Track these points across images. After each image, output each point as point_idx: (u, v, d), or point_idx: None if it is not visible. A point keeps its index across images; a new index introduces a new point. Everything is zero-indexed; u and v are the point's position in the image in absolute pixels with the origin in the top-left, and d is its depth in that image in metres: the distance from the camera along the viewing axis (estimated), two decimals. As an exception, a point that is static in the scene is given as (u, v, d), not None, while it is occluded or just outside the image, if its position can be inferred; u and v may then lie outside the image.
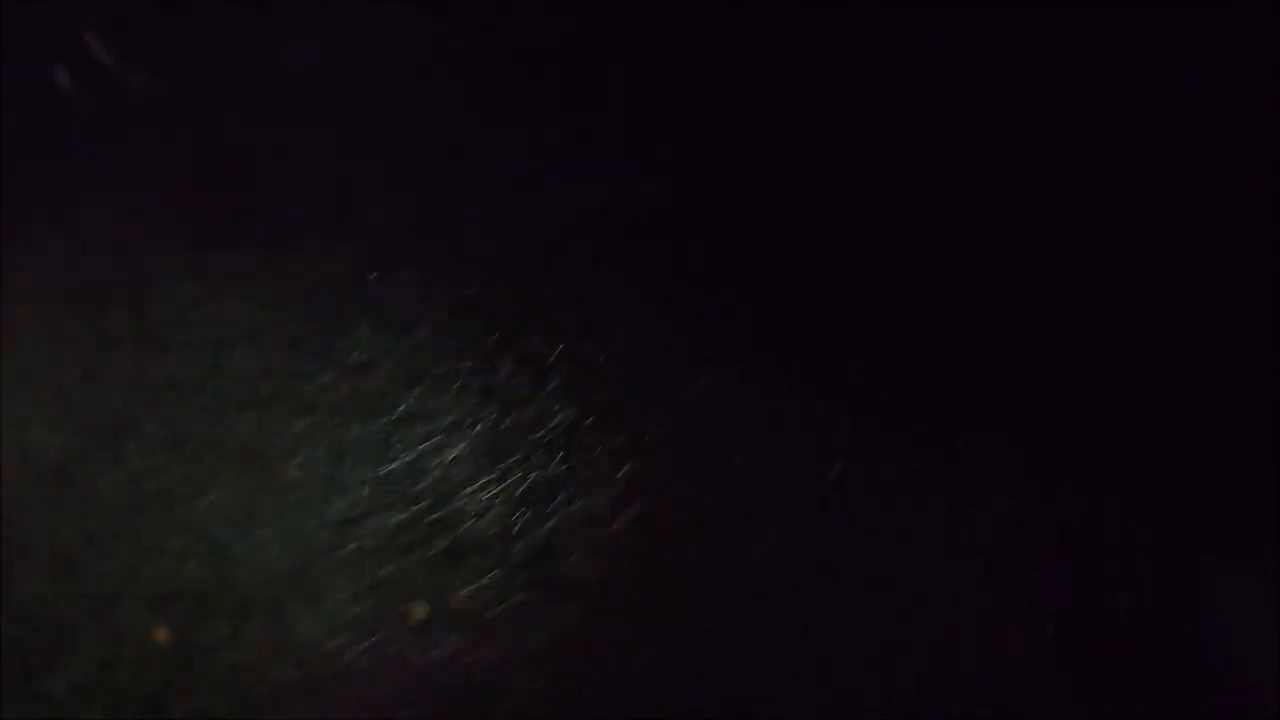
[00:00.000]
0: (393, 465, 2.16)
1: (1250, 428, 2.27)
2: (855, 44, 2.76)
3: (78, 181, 2.76)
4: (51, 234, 2.61)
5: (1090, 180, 2.58)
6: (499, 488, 2.14)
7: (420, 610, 1.92)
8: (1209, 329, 2.40)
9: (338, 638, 1.87)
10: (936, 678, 1.91)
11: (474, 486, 2.13)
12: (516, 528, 2.07)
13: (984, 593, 2.02)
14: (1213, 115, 2.47)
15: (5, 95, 2.89)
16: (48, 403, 2.23)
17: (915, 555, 2.08)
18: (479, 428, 2.25)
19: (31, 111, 2.87)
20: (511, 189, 2.82)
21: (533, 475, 2.16)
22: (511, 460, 2.19)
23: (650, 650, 1.92)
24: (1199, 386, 2.35)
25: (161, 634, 1.84)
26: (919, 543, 2.10)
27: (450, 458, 2.19)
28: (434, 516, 2.07)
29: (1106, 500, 2.18)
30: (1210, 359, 2.38)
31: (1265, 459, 2.19)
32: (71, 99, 2.87)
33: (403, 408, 2.27)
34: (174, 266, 2.55)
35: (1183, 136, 2.49)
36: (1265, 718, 1.93)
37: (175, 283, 2.51)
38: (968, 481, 2.20)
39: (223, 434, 2.18)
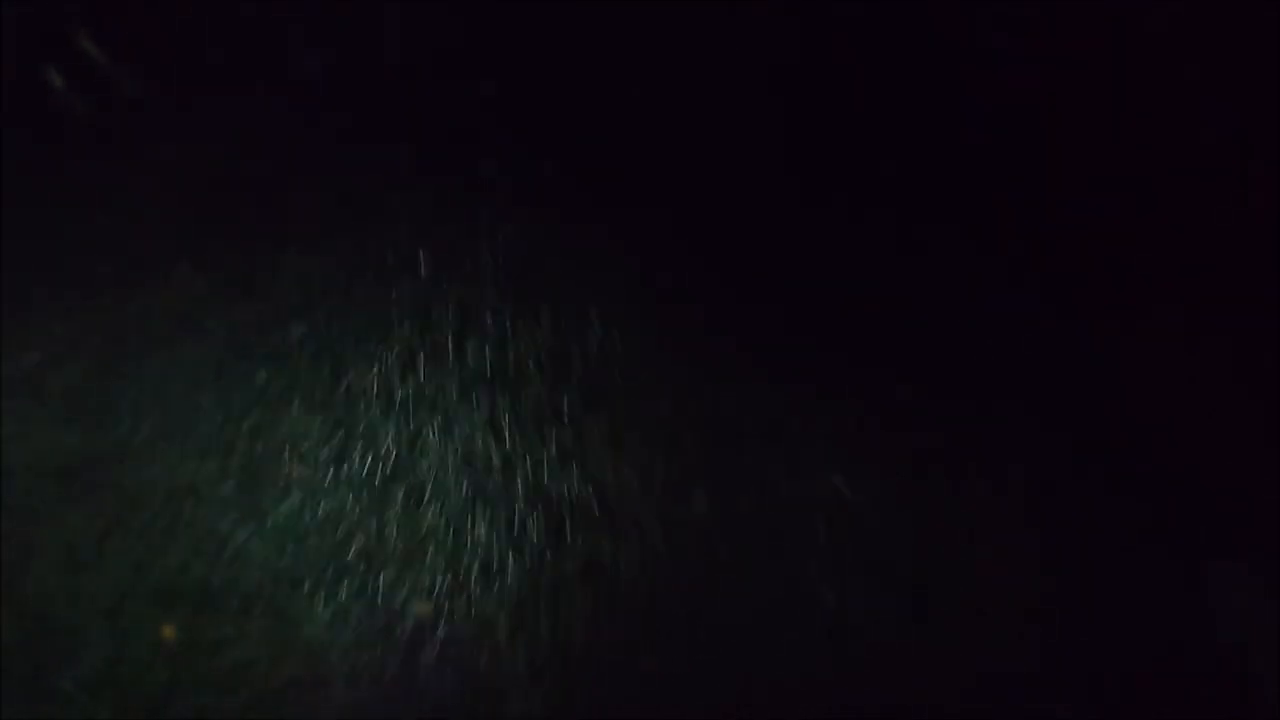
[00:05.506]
0: (400, 465, 2.17)
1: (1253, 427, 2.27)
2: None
3: (81, 182, 2.77)
4: (55, 235, 2.63)
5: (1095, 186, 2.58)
6: (509, 489, 2.15)
7: (424, 609, 1.93)
8: (1211, 327, 2.41)
9: (342, 636, 1.88)
10: (940, 675, 1.92)
11: (483, 487, 2.15)
12: (525, 528, 2.08)
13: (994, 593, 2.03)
14: (1219, 115, 2.48)
15: (5, 97, 2.91)
16: (56, 403, 2.24)
17: (919, 553, 2.09)
18: (487, 427, 2.26)
19: (32, 114, 2.89)
20: (515, 191, 2.84)
21: (541, 477, 2.17)
22: (522, 462, 2.20)
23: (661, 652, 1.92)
24: (1202, 385, 2.36)
25: (169, 631, 1.84)
26: (921, 541, 2.11)
27: (460, 457, 2.20)
28: (441, 516, 2.08)
29: (1109, 500, 2.19)
30: (1212, 358, 2.38)
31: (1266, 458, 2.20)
32: (69, 99, 2.88)
33: (408, 409, 2.29)
34: (180, 268, 2.56)
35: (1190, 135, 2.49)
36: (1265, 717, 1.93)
37: (182, 284, 2.53)
38: (974, 484, 2.22)
39: (229, 435, 2.20)
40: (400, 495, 2.11)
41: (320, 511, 2.07)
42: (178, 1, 3.06)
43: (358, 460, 2.17)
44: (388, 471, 2.15)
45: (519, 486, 2.14)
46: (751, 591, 2.00)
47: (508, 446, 2.22)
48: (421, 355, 2.40)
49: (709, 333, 2.49)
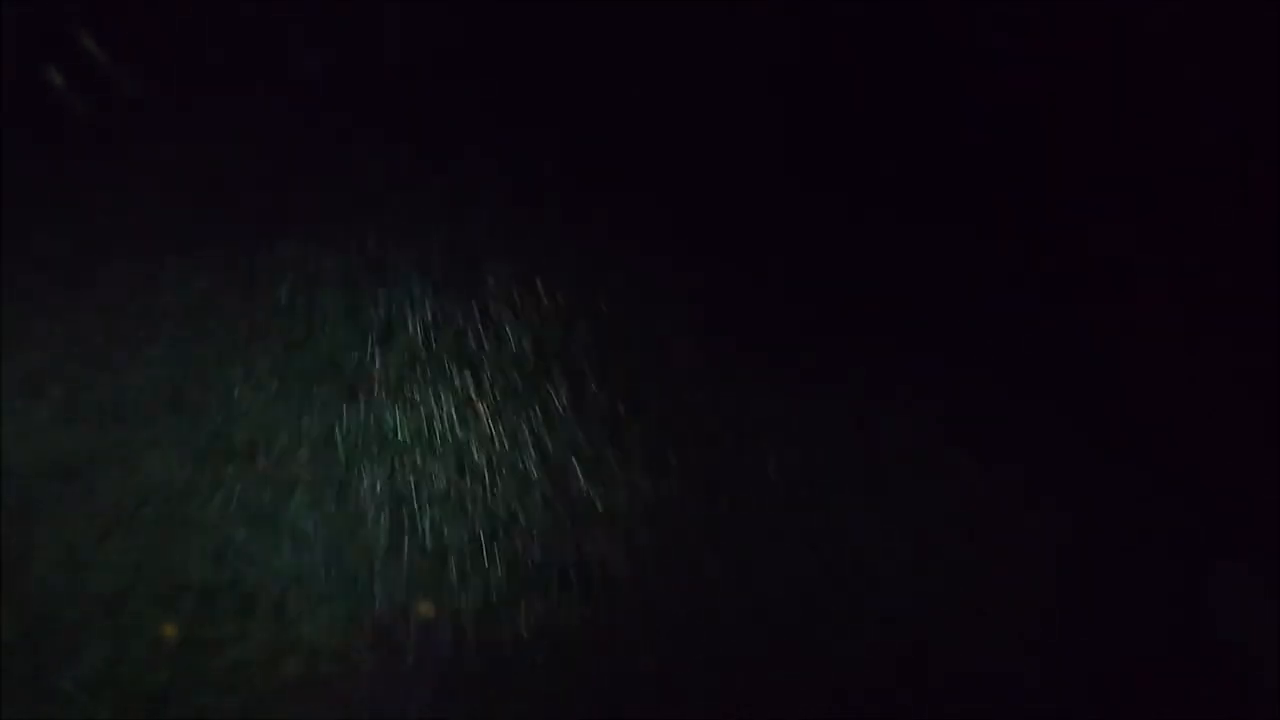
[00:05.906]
0: (400, 464, 2.17)
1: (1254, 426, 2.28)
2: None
3: (81, 182, 2.78)
4: (55, 235, 2.63)
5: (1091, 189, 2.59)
6: (509, 486, 2.15)
7: (425, 608, 1.93)
8: (1213, 325, 2.41)
9: (342, 636, 1.88)
10: (940, 675, 1.92)
11: (484, 484, 2.15)
12: (527, 525, 2.08)
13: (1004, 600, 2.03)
14: (1219, 115, 2.48)
15: (5, 97, 2.91)
16: (56, 402, 2.24)
17: (918, 552, 2.09)
18: (487, 423, 2.26)
19: (32, 114, 2.89)
20: (514, 191, 2.84)
21: (541, 476, 2.17)
22: (521, 460, 2.20)
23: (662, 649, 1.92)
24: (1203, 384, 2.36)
25: (169, 631, 1.84)
26: (921, 541, 2.11)
27: (460, 455, 2.20)
28: (441, 514, 2.08)
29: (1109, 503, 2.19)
30: (1212, 358, 2.38)
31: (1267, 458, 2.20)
32: (69, 99, 2.89)
33: (409, 407, 2.29)
34: (180, 267, 2.57)
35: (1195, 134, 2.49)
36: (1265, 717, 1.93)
37: (182, 283, 2.53)
38: (975, 483, 2.22)
39: (230, 434, 2.20)
40: (401, 494, 2.11)
41: (321, 511, 2.07)
42: (178, 1, 3.06)
43: (358, 459, 2.16)
44: (388, 470, 2.15)
45: (518, 485, 2.14)
46: (751, 592, 2.00)
47: (507, 444, 2.22)
48: (423, 354, 2.40)
49: (709, 332, 2.49)
